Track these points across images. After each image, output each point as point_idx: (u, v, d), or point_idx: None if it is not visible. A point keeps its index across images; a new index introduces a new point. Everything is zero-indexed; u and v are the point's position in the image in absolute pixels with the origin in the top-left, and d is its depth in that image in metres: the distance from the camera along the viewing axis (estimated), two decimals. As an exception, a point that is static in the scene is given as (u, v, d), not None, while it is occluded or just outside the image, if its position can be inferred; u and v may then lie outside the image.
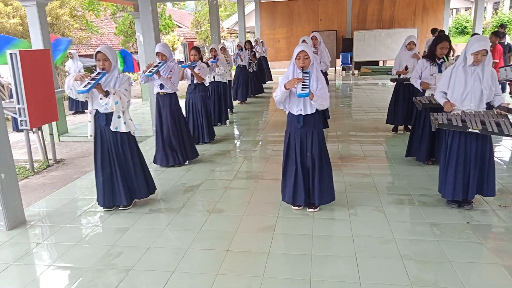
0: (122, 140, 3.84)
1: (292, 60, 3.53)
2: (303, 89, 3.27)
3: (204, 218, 3.71)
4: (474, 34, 3.55)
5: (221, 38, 15.28)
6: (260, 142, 6.49)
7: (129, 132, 3.87)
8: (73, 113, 10.93)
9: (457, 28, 25.68)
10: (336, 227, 3.43)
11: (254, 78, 10.83)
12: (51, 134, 6.40)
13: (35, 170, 5.71)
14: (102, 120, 3.75)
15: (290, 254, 3.05)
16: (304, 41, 7.15)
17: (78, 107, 10.89)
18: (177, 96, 5.21)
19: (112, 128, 3.74)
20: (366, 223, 3.47)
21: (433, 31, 10.39)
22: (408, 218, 3.56)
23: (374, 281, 2.66)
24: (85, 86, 3.41)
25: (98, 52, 3.63)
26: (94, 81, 3.47)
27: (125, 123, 3.77)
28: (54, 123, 6.83)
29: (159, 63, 4.89)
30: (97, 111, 3.75)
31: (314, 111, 3.53)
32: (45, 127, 6.37)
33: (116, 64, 3.74)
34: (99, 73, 3.60)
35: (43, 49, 6.62)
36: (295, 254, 3.04)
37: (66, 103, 10.93)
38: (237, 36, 19.70)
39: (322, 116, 4.96)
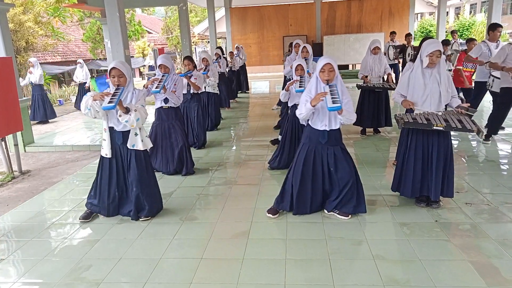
0: (139, 157, 3.73)
1: (315, 73, 3.44)
2: (333, 102, 3.15)
3: (177, 227, 3.66)
4: (427, 38, 3.76)
5: (192, 43, 15.20)
6: (234, 148, 6.47)
7: (146, 150, 3.78)
8: (37, 123, 10.47)
9: (422, 32, 26.63)
10: (309, 230, 3.45)
11: (228, 83, 10.85)
12: (16, 145, 6.15)
13: (-1, 182, 5.48)
14: (119, 138, 3.65)
15: (264, 259, 3.04)
16: (297, 44, 6.89)
17: (43, 116, 10.42)
18: (180, 110, 5.08)
19: (129, 146, 3.64)
20: (338, 225, 3.51)
21: (407, 35, 10.96)
22: (379, 218, 3.63)
23: (347, 282, 2.70)
24: (110, 102, 3.35)
25: (113, 68, 3.50)
26: (116, 97, 3.38)
27: (142, 140, 3.66)
28: (19, 133, 6.58)
29: (163, 76, 4.68)
30: (111, 128, 3.64)
31: (338, 126, 3.47)
32: (10, 137, 6.12)
33: (131, 79, 3.64)
34: (117, 89, 3.49)
35: (5, 56, 6.38)
36: (269, 259, 3.04)
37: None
38: (208, 42, 19.65)
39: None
